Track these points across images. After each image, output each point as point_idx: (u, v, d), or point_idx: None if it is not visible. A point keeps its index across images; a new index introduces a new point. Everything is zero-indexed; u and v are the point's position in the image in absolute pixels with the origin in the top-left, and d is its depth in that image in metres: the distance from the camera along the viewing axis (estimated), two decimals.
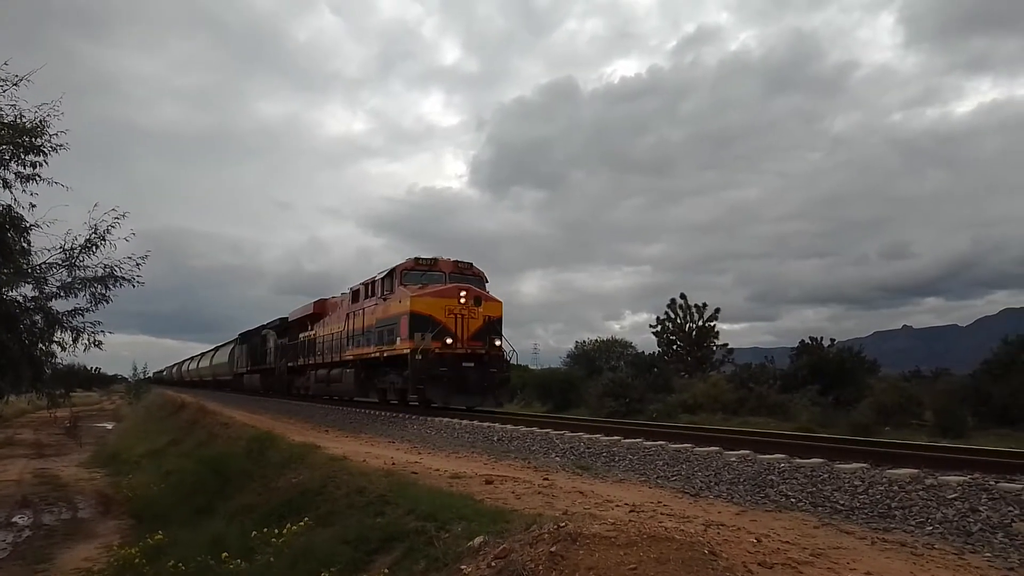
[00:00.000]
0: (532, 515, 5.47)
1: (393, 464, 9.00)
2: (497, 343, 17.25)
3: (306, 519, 7.37)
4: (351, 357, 21.13)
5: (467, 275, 18.42)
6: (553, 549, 4.55)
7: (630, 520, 5.24)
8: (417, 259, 18.35)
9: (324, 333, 24.76)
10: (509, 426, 12.53)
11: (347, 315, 21.85)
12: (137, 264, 13.52)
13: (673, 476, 7.73)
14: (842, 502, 6.01)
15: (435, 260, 18.47)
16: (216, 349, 54.62)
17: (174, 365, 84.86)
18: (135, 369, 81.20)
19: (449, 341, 16.68)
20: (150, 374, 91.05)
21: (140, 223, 14.48)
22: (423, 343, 16.36)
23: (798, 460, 7.17)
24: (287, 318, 31.68)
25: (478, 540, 5.19)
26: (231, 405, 28.81)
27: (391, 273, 18.56)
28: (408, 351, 16.64)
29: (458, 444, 11.99)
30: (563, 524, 4.94)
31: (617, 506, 6.06)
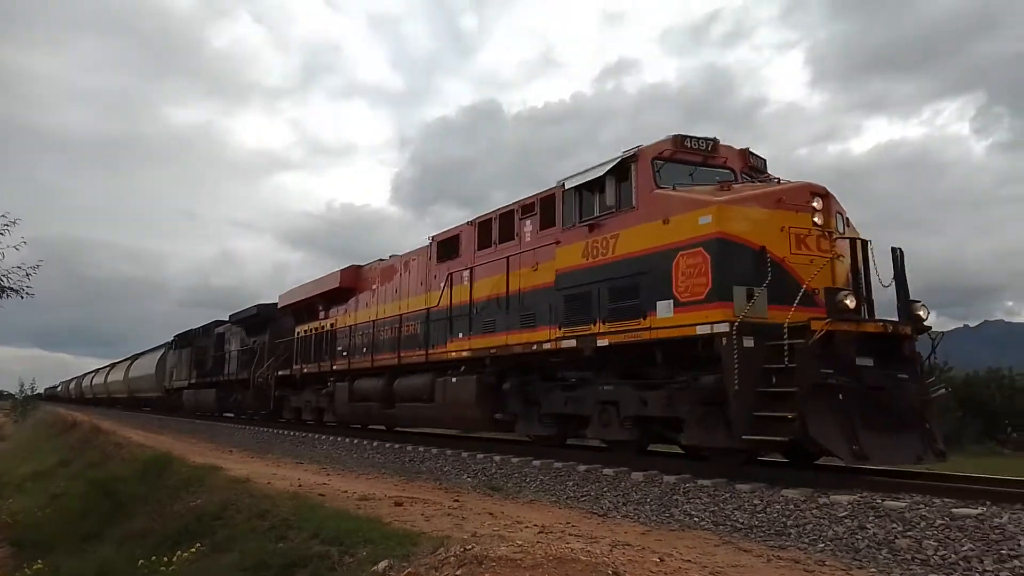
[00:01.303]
0: (440, 538, 5.39)
1: (299, 486, 8.71)
2: (922, 313, 7.93)
3: (199, 545, 7.02)
4: (467, 352, 11.46)
5: (764, 177, 9.42)
6: (459, 573, 4.50)
7: (538, 541, 5.24)
8: (682, 138, 8.98)
9: (368, 317, 15.45)
10: (421, 447, 12.36)
11: (448, 276, 12.24)
12: (27, 274, 12.66)
13: (583, 497, 7.80)
14: (742, 520, 6.21)
15: (713, 142, 9.17)
16: (134, 359, 44.11)
17: (72, 380, 76.41)
18: (22, 385, 74.35)
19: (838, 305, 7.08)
20: (40, 390, 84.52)
21: (34, 230, 13.56)
22: (754, 309, 7.22)
23: (701, 480, 7.36)
24: (271, 304, 22.23)
25: (383, 564, 5.07)
26: (129, 424, 27.28)
27: (622, 165, 8.99)
28: (717, 327, 7.32)
29: (369, 465, 11.75)
30: (470, 547, 4.90)
31: (526, 527, 6.05)
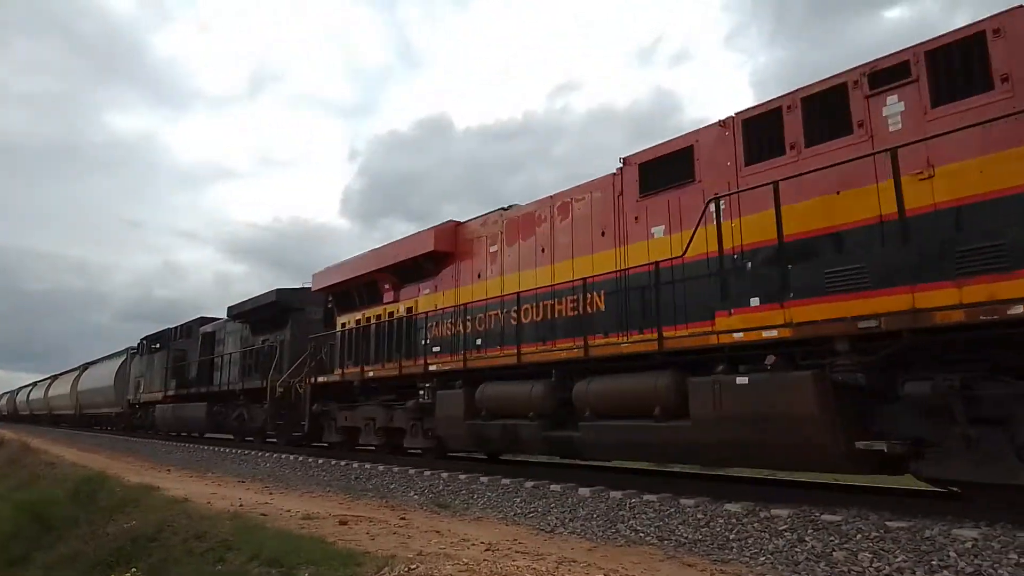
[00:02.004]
0: (385, 557, 5.32)
1: (241, 506, 8.48)
2: None
3: (133, 569, 6.76)
4: (781, 329, 6.52)
5: None
6: None
7: (484, 559, 5.22)
8: None
9: (489, 293, 10.72)
10: (368, 464, 12.17)
11: (714, 204, 7.48)
12: None
13: (530, 513, 7.79)
14: (686, 535, 6.28)
15: None
16: (84, 368, 37.93)
17: (2, 395, 69.28)
18: None
19: None
20: None
21: None
22: None
23: (647, 496, 7.43)
24: (298, 289, 17.61)
25: None
26: (62, 442, 26.16)
27: None
28: None
29: (313, 483, 11.51)
30: (414, 566, 4.85)
31: (473, 545, 6.02)
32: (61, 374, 45.30)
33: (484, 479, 9.48)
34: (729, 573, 5.22)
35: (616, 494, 7.70)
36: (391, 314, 12.91)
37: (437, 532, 6.63)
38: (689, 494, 7.36)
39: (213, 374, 20.79)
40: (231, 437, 20.42)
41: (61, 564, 8.76)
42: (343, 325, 14.46)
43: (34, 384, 55.12)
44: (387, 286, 13.27)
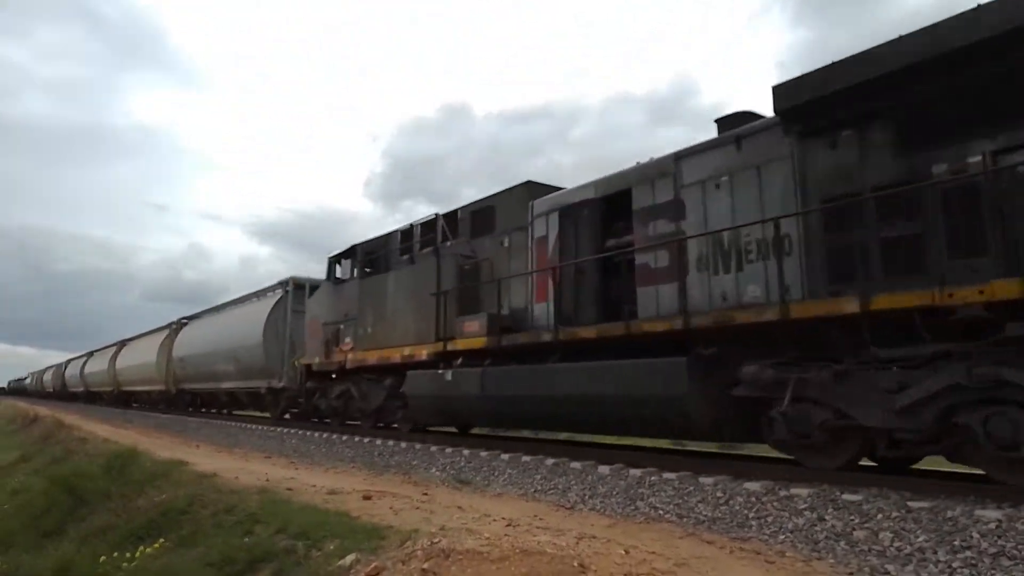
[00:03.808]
0: (408, 531, 5.42)
1: (267, 480, 8.66)
2: None
3: (162, 540, 6.95)
4: None
5: None
6: (425, 566, 4.53)
7: (505, 534, 5.29)
8: None
9: None
10: (391, 441, 12.34)
11: None
12: None
13: (550, 490, 7.87)
14: (705, 513, 6.32)
15: None
16: (178, 327, 27.24)
17: (46, 370, 61.98)
18: None
19: None
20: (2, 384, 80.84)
21: None
22: None
23: (666, 474, 7.48)
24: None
25: (350, 558, 5.08)
26: (93, 418, 26.79)
27: None
28: None
29: (337, 459, 11.71)
30: (437, 540, 4.93)
31: (494, 520, 6.09)
32: (133, 339, 35.13)
33: (505, 456, 9.58)
34: (748, 551, 5.24)
35: (635, 472, 7.75)
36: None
37: (459, 508, 6.72)
38: (709, 472, 7.39)
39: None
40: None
41: (93, 536, 9.01)
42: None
43: (90, 355, 45.27)
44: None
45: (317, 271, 19.48)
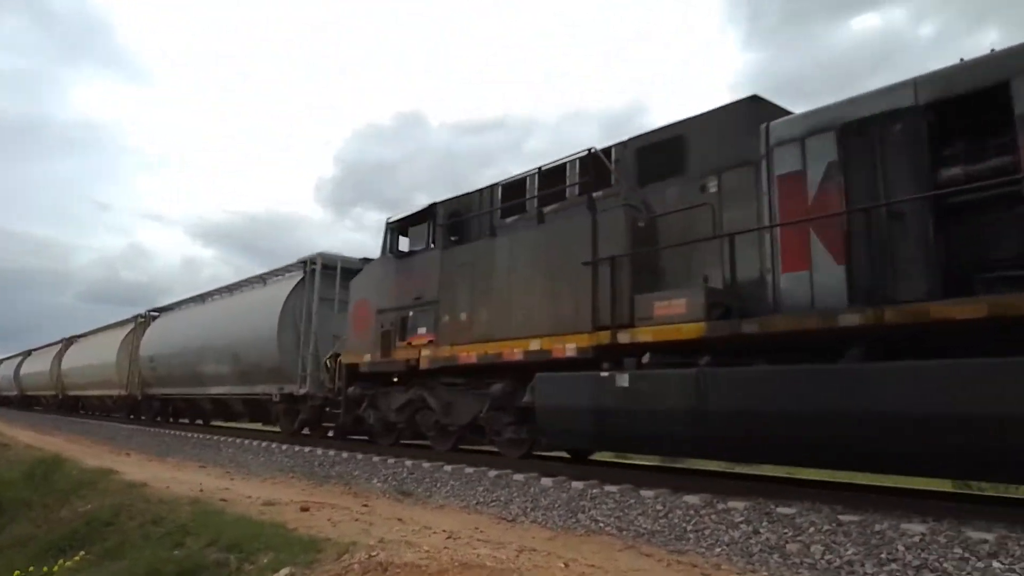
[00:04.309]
0: (346, 544, 5.32)
1: (201, 491, 8.40)
2: None
3: (83, 553, 6.65)
4: None
5: None
6: None
7: (445, 547, 5.25)
8: None
9: None
10: (332, 451, 12.12)
11: None
12: None
13: (492, 502, 7.83)
14: (645, 526, 6.38)
15: None
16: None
17: None
18: None
19: None
20: None
21: None
22: None
23: (607, 486, 7.53)
24: None
25: (284, 572, 4.96)
26: (17, 424, 25.57)
27: None
28: None
29: (276, 469, 11.43)
30: (375, 553, 4.86)
31: (435, 533, 6.03)
32: (84, 335, 30.15)
33: (448, 468, 9.50)
34: (685, 563, 5.31)
35: (578, 484, 7.78)
36: None
37: (399, 520, 6.64)
38: (650, 485, 7.47)
39: None
40: None
41: (10, 547, 8.59)
42: None
43: (27, 354, 38.39)
44: None
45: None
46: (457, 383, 10.23)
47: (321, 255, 15.15)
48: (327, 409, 13.40)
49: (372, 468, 10.41)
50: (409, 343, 10.77)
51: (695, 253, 7.79)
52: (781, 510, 6.08)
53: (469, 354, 9.68)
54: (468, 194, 11.10)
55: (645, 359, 7.47)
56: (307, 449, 12.68)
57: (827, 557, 5.21)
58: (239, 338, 16.41)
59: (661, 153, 8.53)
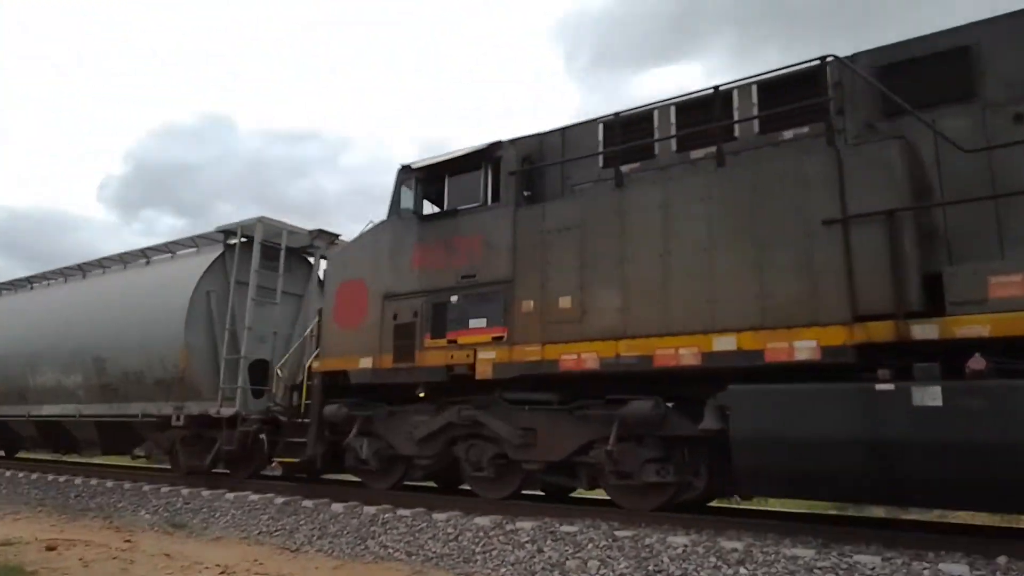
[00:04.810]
0: None
1: None
2: None
3: None
4: None
5: None
6: None
7: None
8: None
9: None
10: (93, 480, 10.80)
11: None
12: None
13: (277, 531, 7.41)
14: (435, 550, 6.36)
15: None
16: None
17: None
18: None
19: None
20: None
21: None
22: None
23: (400, 511, 7.42)
24: None
25: None
26: None
27: None
28: None
29: (22, 502, 9.98)
30: None
31: (206, 568, 5.58)
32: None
33: (230, 496, 8.85)
34: None
35: (370, 509, 7.59)
36: None
37: (167, 555, 6.05)
38: (443, 508, 7.46)
39: None
40: None
41: None
42: None
43: None
44: None
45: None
46: (539, 400, 7.34)
47: (262, 221, 11.11)
48: (262, 436, 9.79)
49: (141, 498, 9.43)
50: (452, 340, 7.75)
51: (1009, 209, 5.42)
52: (564, 528, 6.34)
53: (582, 356, 6.82)
54: (552, 131, 8.03)
55: (976, 363, 4.95)
56: (62, 478, 11.19)
57: (603, 571, 5.51)
58: (106, 336, 11.88)
59: (930, 71, 6.01)
